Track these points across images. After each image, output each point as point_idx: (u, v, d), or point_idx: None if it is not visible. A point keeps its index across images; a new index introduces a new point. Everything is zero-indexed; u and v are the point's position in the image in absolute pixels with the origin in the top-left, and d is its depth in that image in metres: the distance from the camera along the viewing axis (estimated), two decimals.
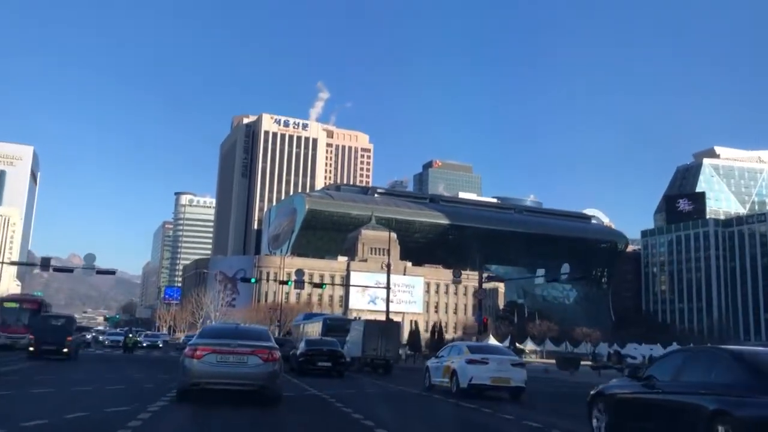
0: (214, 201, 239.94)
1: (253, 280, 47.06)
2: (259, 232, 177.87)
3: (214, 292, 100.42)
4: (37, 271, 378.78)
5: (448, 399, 16.51)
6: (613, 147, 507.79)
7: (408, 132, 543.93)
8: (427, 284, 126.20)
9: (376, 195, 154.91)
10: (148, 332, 55.05)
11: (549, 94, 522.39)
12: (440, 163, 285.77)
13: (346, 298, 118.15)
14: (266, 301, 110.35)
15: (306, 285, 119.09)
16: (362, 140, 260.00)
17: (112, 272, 41.13)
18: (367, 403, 14.92)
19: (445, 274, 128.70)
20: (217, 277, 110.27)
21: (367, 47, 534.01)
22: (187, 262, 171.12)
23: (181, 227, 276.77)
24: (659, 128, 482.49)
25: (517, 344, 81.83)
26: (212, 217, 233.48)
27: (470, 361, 17.52)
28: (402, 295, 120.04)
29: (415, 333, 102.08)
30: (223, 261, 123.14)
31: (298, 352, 26.30)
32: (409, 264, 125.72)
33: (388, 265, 50.38)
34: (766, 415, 6.77)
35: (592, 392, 10.26)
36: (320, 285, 53.07)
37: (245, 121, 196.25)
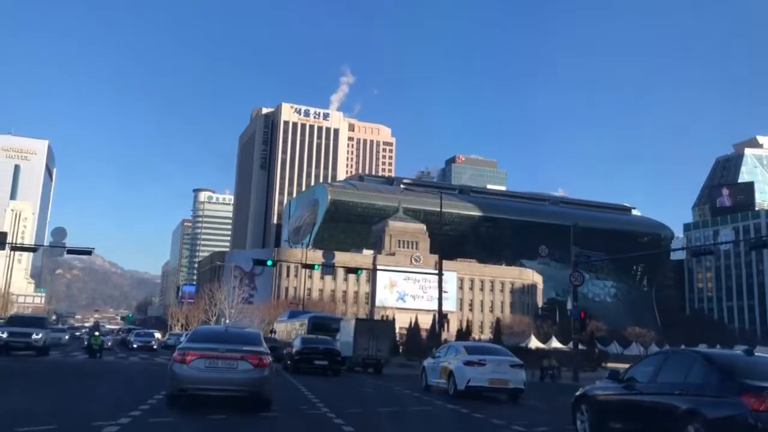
0: (233, 198, 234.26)
1: (269, 263, 37.94)
2: (278, 226, 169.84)
3: (229, 288, 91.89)
4: (59, 271, 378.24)
5: (445, 401, 15.90)
6: (642, 141, 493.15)
7: (429, 127, 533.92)
8: (460, 280, 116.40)
9: (401, 186, 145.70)
10: (141, 330, 46.25)
11: (576, 89, 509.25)
12: (463, 158, 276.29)
13: (372, 295, 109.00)
14: (286, 296, 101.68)
15: (329, 281, 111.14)
16: (384, 133, 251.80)
17: (87, 252, 32.41)
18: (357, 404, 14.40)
19: (479, 269, 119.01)
20: (233, 272, 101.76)
21: (388, 37, 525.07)
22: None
23: (199, 224, 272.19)
24: (690, 121, 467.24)
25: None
26: (231, 214, 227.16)
27: (468, 363, 17.09)
28: (433, 292, 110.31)
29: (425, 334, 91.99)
30: (240, 254, 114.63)
31: (294, 350, 25.76)
32: (437, 257, 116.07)
33: (439, 260, 40.54)
34: (735, 415, 7.00)
35: (576, 394, 10.51)
36: (355, 270, 43.49)
37: (264, 111, 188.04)
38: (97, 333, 30.17)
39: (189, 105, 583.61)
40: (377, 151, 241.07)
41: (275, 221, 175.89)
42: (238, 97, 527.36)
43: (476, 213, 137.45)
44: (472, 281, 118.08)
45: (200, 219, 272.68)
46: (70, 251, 31.70)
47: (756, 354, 8.28)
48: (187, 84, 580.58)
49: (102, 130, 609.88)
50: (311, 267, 38.20)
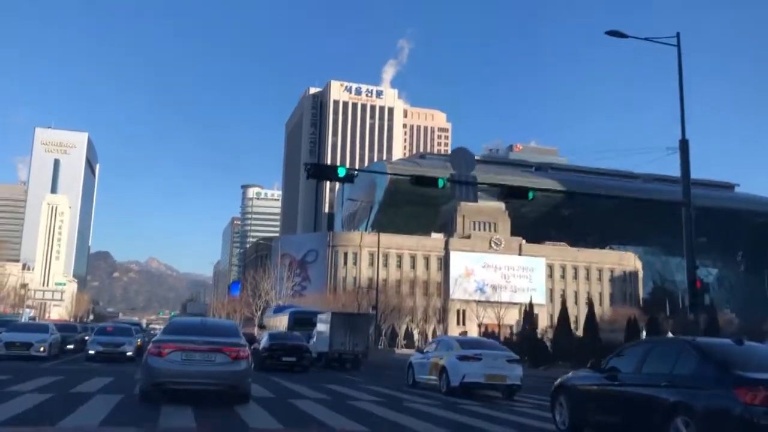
0: (281, 192, 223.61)
1: (341, 171, 19.84)
2: (330, 216, 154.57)
3: (277, 277, 76.44)
4: (116, 273, 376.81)
5: (437, 400, 14.78)
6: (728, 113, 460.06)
7: (484, 113, 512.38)
8: (550, 267, 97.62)
9: None
10: (113, 325, 29.51)
11: (647, 67, 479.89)
12: (521, 147, 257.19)
13: (445, 285, 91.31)
14: (344, 286, 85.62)
15: (393, 269, 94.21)
16: (439, 119, 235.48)
17: None
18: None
19: (571, 254, 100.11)
20: (282, 260, 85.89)
21: (444, 13, 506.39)
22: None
23: (248, 222, 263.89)
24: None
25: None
26: (280, 210, 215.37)
27: (462, 358, 16.11)
28: (518, 281, 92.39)
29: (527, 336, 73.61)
30: (290, 240, 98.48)
31: (260, 346, 24.73)
32: (523, 241, 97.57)
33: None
34: (725, 407, 6.73)
35: (555, 384, 10.03)
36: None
37: (312, 91, 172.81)
38: None
39: (234, 96, 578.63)
40: (432, 138, 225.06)
41: (327, 210, 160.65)
42: (284, 84, 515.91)
43: (561, 191, 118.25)
44: (563, 268, 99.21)
45: (249, 215, 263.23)
46: None
47: (747, 343, 8.02)
48: (231, 75, 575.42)
49: (145, 127, 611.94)
50: (431, 182, 20.71)
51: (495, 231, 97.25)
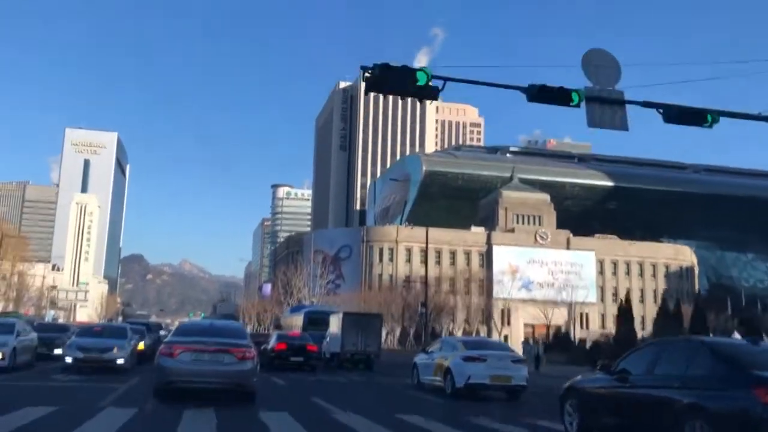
0: (311, 192, 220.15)
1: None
2: (362, 212, 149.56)
3: (310, 274, 71.52)
4: (150, 276, 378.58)
5: (444, 400, 14.92)
6: None
7: (517, 108, 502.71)
8: (600, 262, 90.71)
9: (508, 155, 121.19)
10: (99, 326, 23.88)
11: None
12: (554, 143, 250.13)
13: (488, 282, 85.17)
14: (380, 283, 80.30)
15: (432, 265, 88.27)
16: (471, 114, 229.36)
17: None
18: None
19: (623, 248, 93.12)
20: (315, 257, 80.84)
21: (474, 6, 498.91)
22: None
23: (278, 221, 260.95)
24: None
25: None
26: (311, 210, 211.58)
27: (467, 358, 15.79)
28: (566, 277, 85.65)
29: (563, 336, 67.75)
30: (322, 235, 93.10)
31: (269, 347, 24.76)
32: (571, 235, 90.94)
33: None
34: (743, 408, 6.50)
35: (564, 386, 9.88)
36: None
37: (342, 85, 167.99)
38: None
39: (263, 94, 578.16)
40: (464, 133, 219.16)
41: (358, 207, 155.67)
42: (313, 81, 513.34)
43: (605, 183, 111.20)
44: (615, 264, 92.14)
45: (279, 216, 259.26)
46: None
47: (763, 343, 7.84)
48: (260, 74, 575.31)
49: (175, 128, 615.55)
50: (561, 96, 14.21)
51: (539, 224, 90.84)
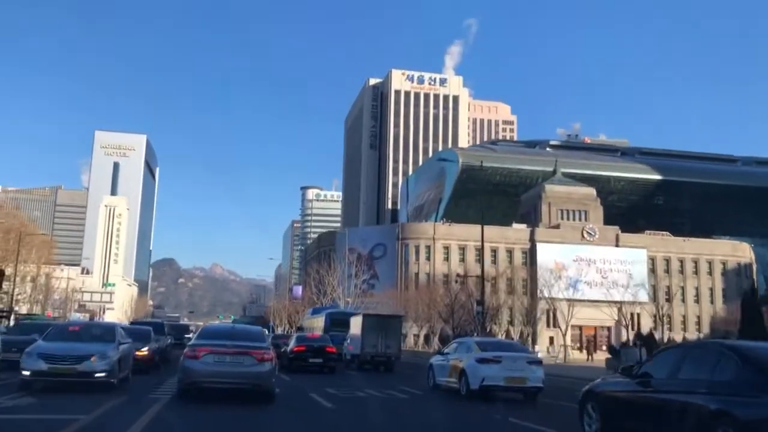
0: (341, 194, 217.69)
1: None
2: (394, 212, 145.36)
3: (343, 273, 67.56)
4: (182, 279, 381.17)
5: (456, 403, 14.69)
6: None
7: (547, 105, 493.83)
8: (652, 260, 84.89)
9: (548, 149, 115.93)
10: (66, 325, 18.85)
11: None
12: (589, 140, 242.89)
13: (532, 282, 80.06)
14: (416, 282, 75.94)
15: (472, 263, 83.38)
16: (504, 111, 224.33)
17: None
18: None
19: (676, 244, 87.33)
20: (348, 256, 76.77)
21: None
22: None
23: (308, 223, 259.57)
24: None
25: None
26: (340, 211, 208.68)
27: (481, 360, 15.55)
28: (616, 276, 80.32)
29: (648, 337, 61.65)
30: (354, 234, 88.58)
31: (288, 349, 25.03)
32: (620, 231, 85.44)
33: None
34: None
35: (583, 390, 9.65)
36: None
37: (372, 82, 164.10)
38: None
39: (292, 95, 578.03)
40: (496, 132, 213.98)
41: (389, 206, 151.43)
42: (341, 81, 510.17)
43: (652, 176, 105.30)
44: (667, 261, 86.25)
45: (309, 218, 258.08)
46: None
47: None
48: (288, 74, 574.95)
49: (204, 131, 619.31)
50: None
51: (585, 220, 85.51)
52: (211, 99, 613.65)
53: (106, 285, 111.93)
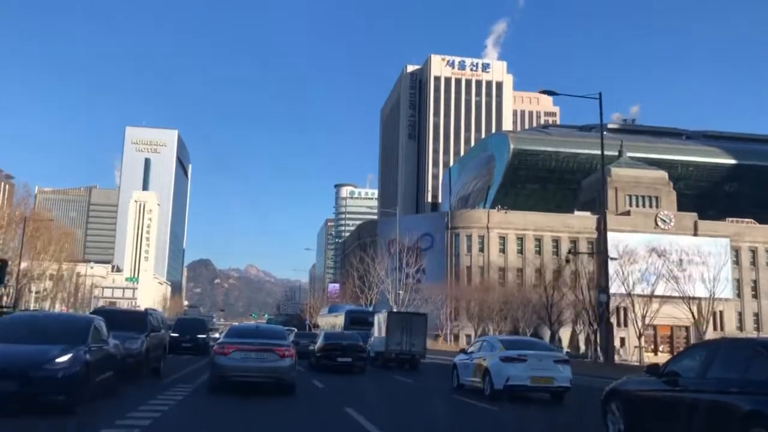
0: (376, 192, 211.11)
1: None
2: (434, 205, 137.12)
3: (388, 266, 59.91)
4: (218, 280, 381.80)
5: (479, 403, 13.88)
6: None
7: (590, 91, 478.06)
8: (735, 251, 74.88)
9: (606, 133, 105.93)
10: None
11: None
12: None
13: (599, 276, 70.85)
14: (469, 277, 67.72)
15: (531, 256, 74.57)
16: (545, 102, 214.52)
17: None
18: None
19: (764, 233, 76.95)
20: (390, 247, 68.81)
21: None
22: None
23: (342, 222, 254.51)
24: None
25: None
26: (376, 210, 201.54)
27: (506, 359, 14.99)
28: (694, 269, 70.47)
29: None
30: (400, 223, 79.89)
31: (316, 347, 24.13)
32: (697, 218, 75.72)
33: None
34: None
35: (606, 389, 9.39)
36: None
37: (410, 69, 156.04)
38: None
39: (324, 89, 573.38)
40: (538, 124, 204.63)
41: (429, 199, 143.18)
42: (377, 72, 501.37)
43: (726, 161, 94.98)
44: (753, 252, 76.17)
45: (343, 216, 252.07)
46: None
47: None
48: (321, 67, 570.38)
49: (236, 131, 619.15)
50: None
51: (657, 207, 76.12)
52: (242, 98, 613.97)
53: (128, 280, 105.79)
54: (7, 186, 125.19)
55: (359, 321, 34.25)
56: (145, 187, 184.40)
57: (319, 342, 24.06)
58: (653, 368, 8.52)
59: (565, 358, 16.10)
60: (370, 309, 46.71)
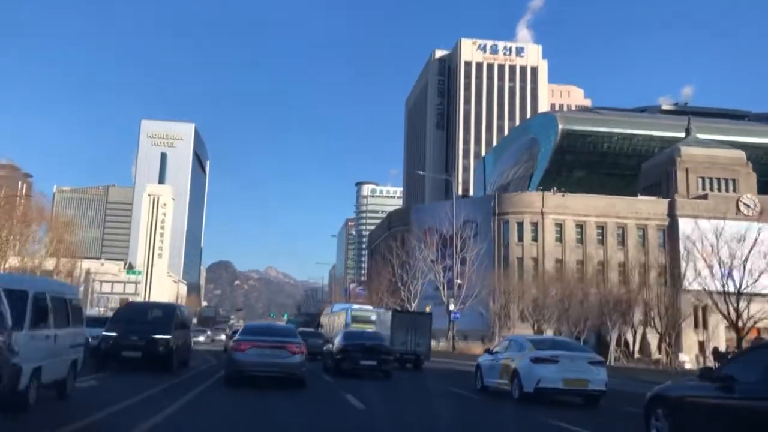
0: (398, 190, 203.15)
1: None
2: (465, 198, 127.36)
3: (431, 256, 50.96)
4: (237, 282, 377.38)
5: (511, 406, 13.38)
6: None
7: (622, 90, 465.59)
8: None
9: (659, 114, 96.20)
10: None
11: None
12: None
13: (673, 269, 61.02)
14: (520, 270, 58.42)
15: (593, 246, 63.35)
16: (577, 96, 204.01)
17: None
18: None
19: None
20: (427, 237, 59.38)
21: None
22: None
23: (363, 221, 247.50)
24: None
25: None
26: (402, 199, 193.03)
27: (536, 360, 14.04)
28: None
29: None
30: (433, 210, 70.11)
31: (334, 347, 21.61)
32: None
33: None
34: None
35: (649, 394, 8.79)
36: None
37: (438, 55, 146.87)
38: None
39: (344, 83, 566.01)
40: None
41: (459, 192, 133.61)
42: (400, 62, 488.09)
43: None
44: None
45: (364, 215, 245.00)
46: None
47: None
48: (340, 61, 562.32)
49: (255, 128, 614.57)
50: None
51: (735, 191, 66.09)
52: (260, 99, 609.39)
53: (129, 273, 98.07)
54: (24, 185, 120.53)
55: (363, 320, 33.89)
56: (161, 182, 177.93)
57: (338, 342, 21.50)
58: (706, 372, 7.93)
59: (600, 360, 14.96)
60: (405, 307, 45.42)
